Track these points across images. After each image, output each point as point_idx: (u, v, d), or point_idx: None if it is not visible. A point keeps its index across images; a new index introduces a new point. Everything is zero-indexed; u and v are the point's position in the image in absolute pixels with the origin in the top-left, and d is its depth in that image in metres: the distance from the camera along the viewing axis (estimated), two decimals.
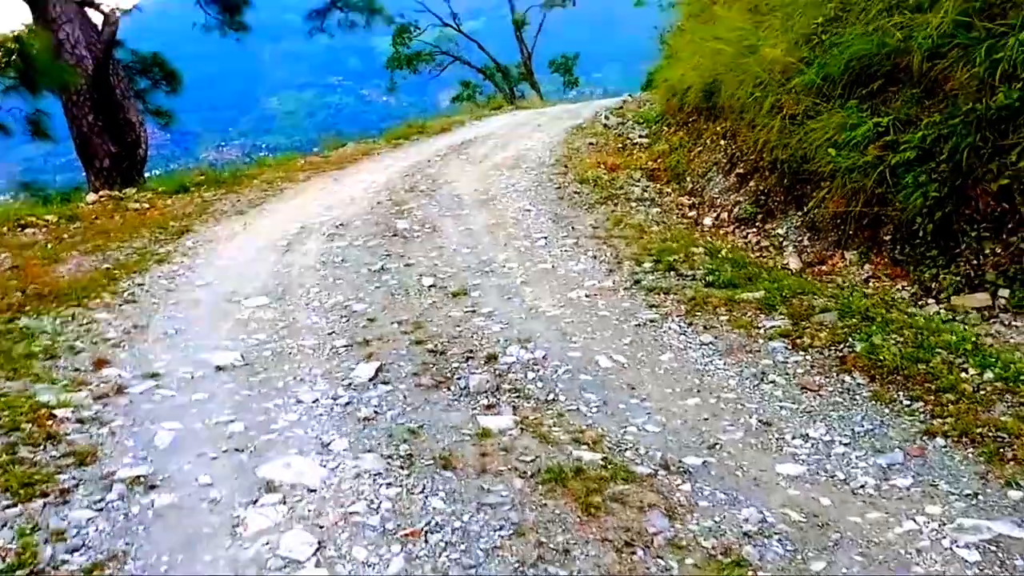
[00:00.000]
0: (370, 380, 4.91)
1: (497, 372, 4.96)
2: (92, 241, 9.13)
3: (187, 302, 6.68)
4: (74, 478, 3.82)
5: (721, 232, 8.59)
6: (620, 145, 14.26)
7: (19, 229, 9.88)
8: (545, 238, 8.11)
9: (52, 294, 6.87)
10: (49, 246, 9.01)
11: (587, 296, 6.21)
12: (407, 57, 30.42)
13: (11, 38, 13.37)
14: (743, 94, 9.31)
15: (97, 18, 16.36)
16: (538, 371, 4.94)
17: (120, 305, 6.61)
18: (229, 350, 5.53)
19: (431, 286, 6.73)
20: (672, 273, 6.61)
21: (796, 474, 3.80)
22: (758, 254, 7.76)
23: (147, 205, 11.33)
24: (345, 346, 5.51)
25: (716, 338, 5.31)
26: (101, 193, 11.62)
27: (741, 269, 6.56)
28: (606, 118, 16.79)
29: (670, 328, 5.51)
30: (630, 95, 21.81)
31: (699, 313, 5.70)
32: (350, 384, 4.89)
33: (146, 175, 17.44)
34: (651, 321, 5.65)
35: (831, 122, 7.54)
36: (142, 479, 3.80)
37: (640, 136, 15.09)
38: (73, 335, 5.89)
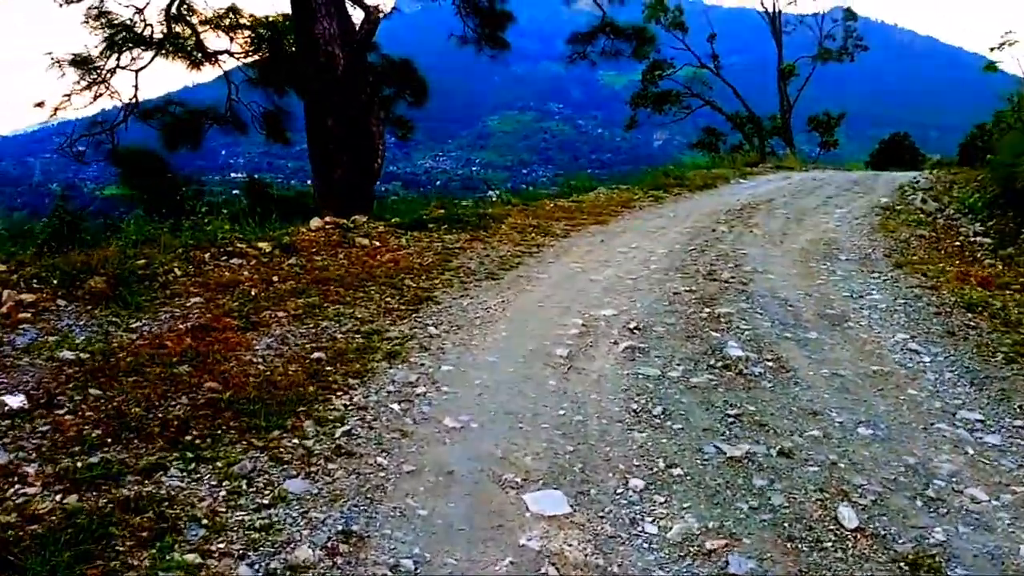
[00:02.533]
0: None
1: None
2: (306, 294, 6.63)
3: (431, 474, 3.85)
4: None
5: None
6: (956, 242, 10.61)
7: (225, 258, 7.57)
8: (983, 422, 4.77)
9: (231, 406, 4.26)
10: (253, 293, 6.57)
11: None
12: (655, 95, 27.42)
13: (264, 22, 11.49)
14: None
15: (357, 14, 14.35)
16: None
17: (326, 459, 3.87)
18: None
19: (856, 530, 3.57)
20: None
21: None
22: None
23: (377, 243, 8.83)
24: None
25: None
26: (327, 219, 9.26)
27: None
28: (923, 202, 13.07)
29: None
30: (931, 171, 17.78)
31: None
32: None
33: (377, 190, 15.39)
34: None
35: None
36: None
37: (977, 232, 11.38)
38: (240, 535, 3.17)
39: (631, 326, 6.23)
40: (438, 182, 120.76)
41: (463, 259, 8.40)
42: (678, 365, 5.47)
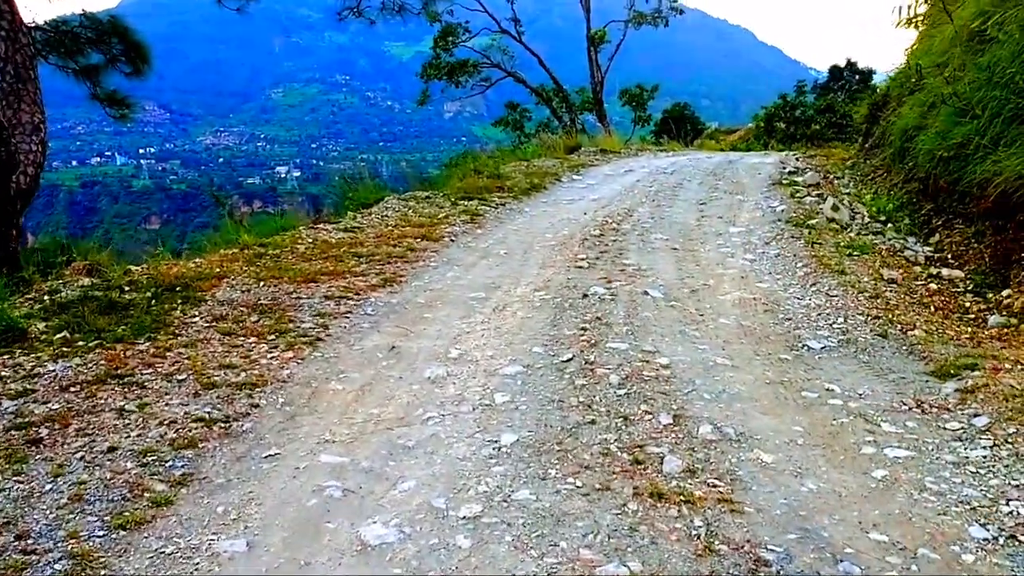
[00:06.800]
0: None
1: None
2: None
3: None
4: None
5: None
6: (932, 284, 6.71)
7: None
8: None
9: None
10: None
11: None
12: (449, 66, 22.35)
13: None
14: None
15: None
16: None
17: None
18: None
19: None
20: None
21: None
22: None
23: None
24: None
25: None
26: None
27: None
28: (835, 209, 9.13)
29: None
30: (791, 154, 14.18)
31: None
32: None
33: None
34: None
35: None
36: None
37: (929, 258, 7.71)
38: None
39: None
40: (220, 159, 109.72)
41: (38, 478, 3.16)
42: None
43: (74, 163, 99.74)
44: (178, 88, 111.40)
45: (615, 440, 3.65)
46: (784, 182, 11.18)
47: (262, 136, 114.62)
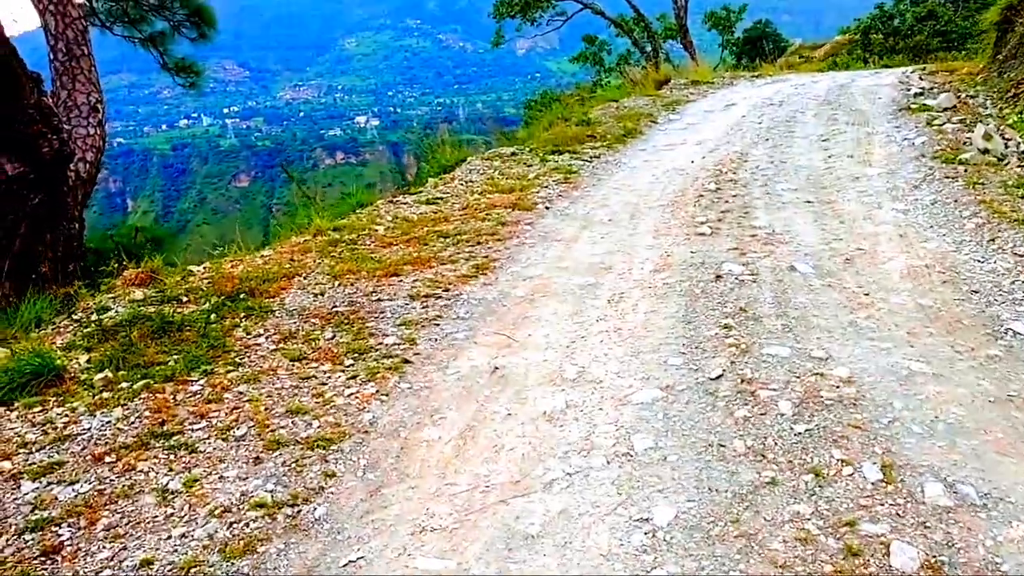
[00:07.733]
0: None
1: None
2: None
3: None
4: None
5: None
6: None
7: None
8: None
9: None
10: None
11: None
12: (523, 2, 20.86)
13: None
14: None
15: None
16: None
17: None
18: None
19: None
20: None
21: None
22: None
23: None
24: None
25: None
26: None
27: None
28: (987, 138, 7.63)
29: None
30: (910, 71, 12.44)
31: None
32: None
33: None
34: None
35: None
36: None
37: None
38: None
39: None
40: (301, 113, 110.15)
41: None
42: None
43: (164, 127, 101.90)
44: (255, 45, 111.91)
45: (811, 513, 2.62)
46: (913, 107, 9.66)
47: (339, 87, 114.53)
